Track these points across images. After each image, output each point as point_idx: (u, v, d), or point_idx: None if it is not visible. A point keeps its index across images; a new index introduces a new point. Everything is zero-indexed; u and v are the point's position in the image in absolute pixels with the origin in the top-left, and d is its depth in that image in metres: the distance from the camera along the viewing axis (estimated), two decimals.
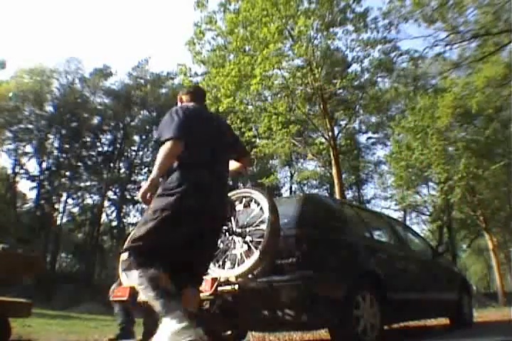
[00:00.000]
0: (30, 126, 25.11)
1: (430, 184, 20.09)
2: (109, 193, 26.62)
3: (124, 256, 2.07)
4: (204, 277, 2.31)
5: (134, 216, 26.06)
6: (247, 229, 2.68)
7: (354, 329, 2.83)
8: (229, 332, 3.68)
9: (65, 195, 26.16)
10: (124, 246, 2.04)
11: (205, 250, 2.16)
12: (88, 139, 26.88)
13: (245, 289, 2.53)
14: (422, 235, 6.48)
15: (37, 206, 25.46)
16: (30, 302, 3.42)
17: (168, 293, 1.84)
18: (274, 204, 2.69)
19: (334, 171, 12.59)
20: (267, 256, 2.57)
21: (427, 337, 4.17)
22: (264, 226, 2.58)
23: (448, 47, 12.62)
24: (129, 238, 2.11)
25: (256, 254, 2.53)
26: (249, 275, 2.60)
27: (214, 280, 2.49)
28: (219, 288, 2.49)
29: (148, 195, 2.02)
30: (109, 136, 27.78)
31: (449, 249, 18.51)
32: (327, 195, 21.22)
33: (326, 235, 3.09)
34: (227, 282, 2.54)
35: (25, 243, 18.75)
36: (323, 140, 13.08)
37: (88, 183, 26.79)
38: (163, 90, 27.68)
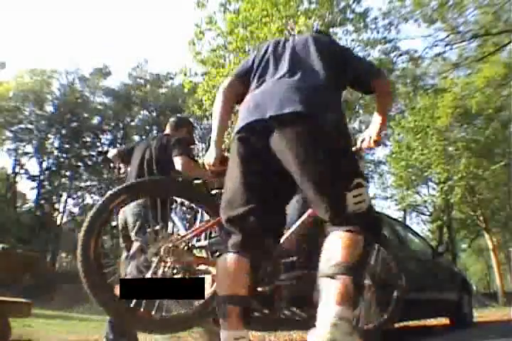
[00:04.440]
0: (30, 126, 25.10)
1: (430, 184, 20.09)
2: None
3: None
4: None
5: None
6: None
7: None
8: None
9: (65, 194, 26.14)
10: None
11: None
12: (88, 139, 26.83)
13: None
14: (422, 235, 6.47)
15: (37, 206, 25.44)
16: (30, 302, 3.40)
17: None
18: None
19: None
20: None
21: (427, 337, 4.17)
22: None
23: (448, 48, 12.62)
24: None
25: None
26: None
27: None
28: None
29: None
30: (109, 136, 27.71)
31: (449, 248, 18.47)
32: None
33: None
34: None
35: (25, 243, 18.75)
36: None
37: (88, 183, 26.75)
38: (163, 90, 27.68)
